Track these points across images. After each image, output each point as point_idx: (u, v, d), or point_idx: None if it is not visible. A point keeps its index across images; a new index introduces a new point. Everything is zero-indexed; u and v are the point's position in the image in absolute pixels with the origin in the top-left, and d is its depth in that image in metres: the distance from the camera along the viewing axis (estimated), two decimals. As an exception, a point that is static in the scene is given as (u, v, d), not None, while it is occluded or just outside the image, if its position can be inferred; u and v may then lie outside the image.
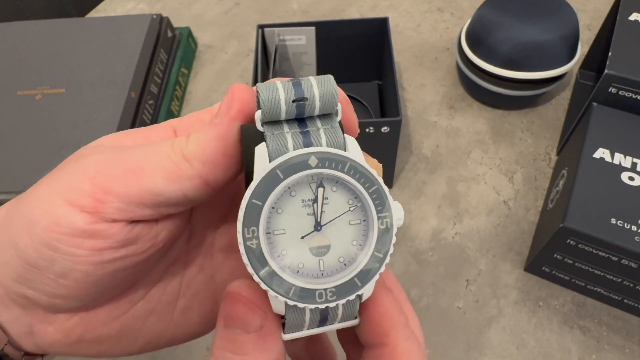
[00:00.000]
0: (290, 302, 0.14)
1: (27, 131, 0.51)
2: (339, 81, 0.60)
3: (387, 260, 0.15)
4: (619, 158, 0.41)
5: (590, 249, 0.38)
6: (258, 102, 0.15)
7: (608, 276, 0.40)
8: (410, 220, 0.51)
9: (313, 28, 0.53)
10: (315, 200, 0.15)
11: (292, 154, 0.14)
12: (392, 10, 0.72)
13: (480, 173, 0.53)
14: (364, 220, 0.15)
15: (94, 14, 0.77)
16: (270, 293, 0.14)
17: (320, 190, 0.15)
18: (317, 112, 0.15)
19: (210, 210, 0.20)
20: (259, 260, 0.14)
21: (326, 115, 0.16)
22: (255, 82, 0.47)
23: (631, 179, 0.39)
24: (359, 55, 0.56)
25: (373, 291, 0.16)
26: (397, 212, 0.15)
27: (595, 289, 0.42)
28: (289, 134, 0.15)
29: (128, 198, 0.15)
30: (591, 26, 0.67)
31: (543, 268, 0.44)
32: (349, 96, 0.58)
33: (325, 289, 0.15)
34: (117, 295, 0.18)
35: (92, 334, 0.18)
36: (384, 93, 0.56)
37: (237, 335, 0.15)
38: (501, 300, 0.44)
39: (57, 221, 0.15)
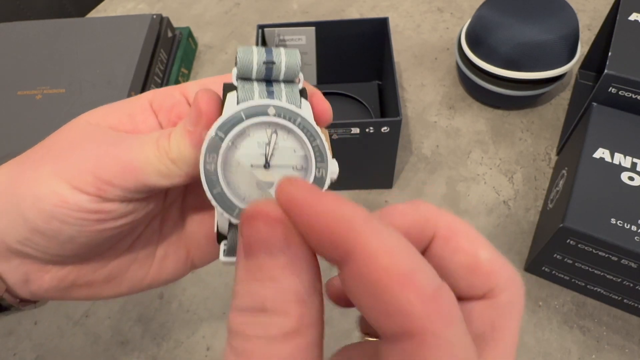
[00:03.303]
0: (234, 221, 0.17)
1: (27, 131, 0.51)
2: (339, 81, 0.60)
3: None
4: (618, 158, 0.41)
5: (590, 249, 0.38)
6: (236, 61, 0.18)
7: (608, 276, 0.40)
8: (410, 220, 0.50)
9: (313, 28, 0.53)
10: (268, 143, 0.18)
11: (255, 102, 0.17)
12: (392, 10, 0.72)
13: (480, 173, 0.54)
14: (305, 169, 0.18)
15: (94, 14, 0.77)
16: (218, 209, 0.17)
17: (274, 136, 0.18)
18: (282, 76, 0.18)
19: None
20: (214, 181, 0.17)
21: (290, 82, 0.19)
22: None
23: (631, 179, 0.39)
24: (359, 55, 0.56)
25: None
26: (332, 167, 0.18)
27: (595, 288, 0.42)
28: (257, 89, 0.18)
29: (125, 188, 0.18)
30: (591, 26, 0.67)
31: (543, 268, 0.44)
32: (349, 96, 0.58)
33: None
34: (107, 249, 0.21)
35: (83, 280, 0.21)
36: (384, 93, 0.56)
37: (261, 260, 0.13)
38: (501, 300, 0.44)
39: (65, 200, 0.17)
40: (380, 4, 0.73)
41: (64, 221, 0.17)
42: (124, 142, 0.18)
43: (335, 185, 0.53)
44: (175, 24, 0.71)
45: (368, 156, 0.48)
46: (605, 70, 0.42)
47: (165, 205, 0.22)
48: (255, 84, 0.18)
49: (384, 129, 0.44)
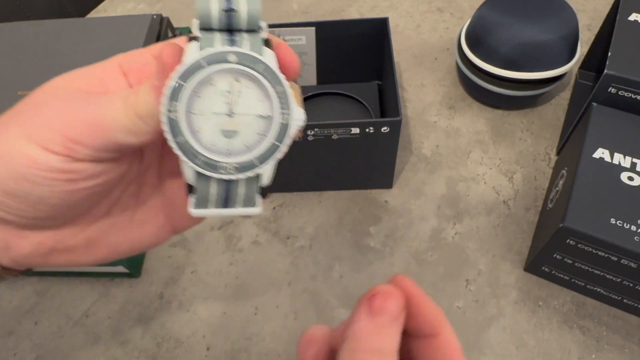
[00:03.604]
0: (198, 169, 0.18)
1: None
2: (339, 81, 0.60)
3: (283, 149, 0.18)
4: (618, 158, 0.41)
5: (590, 249, 0.38)
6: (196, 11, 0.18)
7: (608, 276, 0.40)
8: (410, 220, 0.51)
9: (313, 28, 0.53)
10: (231, 92, 0.18)
11: (216, 49, 0.17)
12: (392, 10, 0.72)
13: (480, 173, 0.54)
14: (270, 116, 0.18)
15: (94, 14, 0.77)
16: (182, 158, 0.17)
17: (236, 83, 0.18)
18: (243, 24, 0.18)
19: (160, 138, 0.22)
20: (177, 129, 0.17)
21: (252, 32, 0.18)
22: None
23: (630, 179, 0.39)
24: (359, 55, 0.56)
25: (423, 294, 0.19)
26: (297, 114, 0.18)
27: (595, 288, 0.42)
28: (219, 38, 0.18)
29: (94, 147, 0.18)
30: (591, 26, 0.67)
31: (543, 268, 0.44)
32: (349, 96, 0.58)
33: (228, 163, 0.18)
34: (83, 213, 0.21)
35: (62, 245, 0.21)
36: (384, 93, 0.56)
37: (386, 321, 0.17)
38: (501, 300, 0.45)
39: (34, 160, 0.17)
40: (380, 4, 0.73)
41: (34, 182, 0.17)
42: (92, 101, 0.18)
43: (335, 185, 0.53)
44: (175, 24, 0.71)
45: (368, 156, 0.48)
46: (605, 71, 0.42)
47: (142, 169, 0.22)
48: (217, 34, 0.18)
49: (384, 129, 0.44)
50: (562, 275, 0.43)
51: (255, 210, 0.19)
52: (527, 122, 0.57)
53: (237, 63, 0.17)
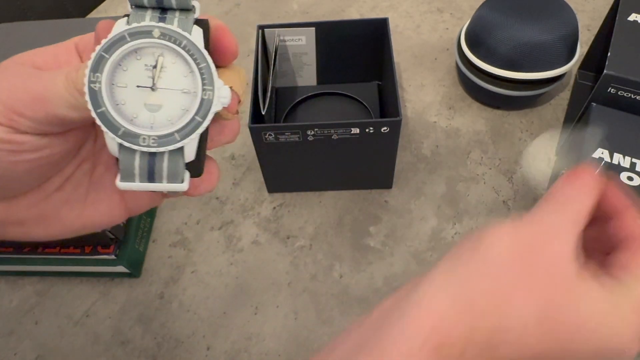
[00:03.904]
0: (118, 140, 0.18)
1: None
2: (339, 81, 0.60)
3: (205, 125, 0.18)
4: (618, 158, 0.41)
5: (590, 249, 0.38)
6: None
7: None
8: (410, 220, 0.51)
9: (313, 28, 0.53)
10: (155, 66, 0.18)
11: (141, 24, 0.18)
12: (392, 10, 0.72)
13: (479, 173, 0.54)
14: (194, 92, 0.18)
15: (94, 14, 0.77)
16: (103, 128, 0.18)
17: (161, 58, 0.18)
18: (174, 3, 0.18)
19: None
20: (98, 100, 0.17)
21: (185, 11, 0.19)
22: (255, 83, 0.47)
23: (630, 179, 0.40)
24: (358, 55, 0.56)
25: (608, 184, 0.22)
26: (222, 92, 0.18)
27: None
28: (149, 15, 0.18)
29: (37, 120, 0.18)
30: (590, 27, 0.67)
31: (542, 268, 0.44)
32: (349, 96, 0.58)
33: (148, 136, 0.18)
34: (35, 187, 0.21)
35: (14, 218, 0.21)
36: (384, 93, 0.56)
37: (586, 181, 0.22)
38: (501, 300, 0.45)
39: None
40: (380, 4, 0.73)
41: None
42: (38, 75, 0.19)
43: (335, 185, 0.53)
44: (175, 25, 0.72)
45: (368, 156, 0.48)
46: (605, 71, 0.43)
47: (97, 148, 0.23)
48: (150, 11, 0.18)
49: (384, 129, 0.44)
50: (561, 275, 0.43)
51: (182, 186, 0.19)
52: (527, 122, 0.57)
53: (160, 38, 0.18)
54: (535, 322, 0.18)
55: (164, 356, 0.44)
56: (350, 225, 0.51)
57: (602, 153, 0.41)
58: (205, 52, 0.18)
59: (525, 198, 0.51)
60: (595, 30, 0.57)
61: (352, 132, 0.44)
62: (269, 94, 0.49)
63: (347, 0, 0.74)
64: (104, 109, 0.18)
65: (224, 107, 0.19)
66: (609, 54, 0.44)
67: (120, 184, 0.19)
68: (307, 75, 0.59)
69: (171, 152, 0.19)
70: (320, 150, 0.46)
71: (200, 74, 0.18)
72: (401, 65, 0.65)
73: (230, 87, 0.19)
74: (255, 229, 0.51)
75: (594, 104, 0.45)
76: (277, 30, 0.52)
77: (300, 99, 0.58)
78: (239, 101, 0.20)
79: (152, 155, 0.19)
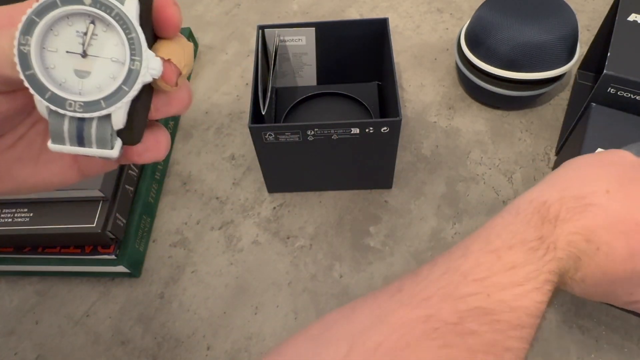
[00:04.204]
0: (45, 103, 0.18)
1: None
2: (339, 81, 0.60)
3: (131, 94, 0.19)
4: (617, 158, 0.41)
5: (589, 249, 0.38)
6: None
7: (607, 276, 0.40)
8: (410, 220, 0.51)
9: (313, 29, 0.53)
10: (85, 33, 0.18)
11: None
12: (392, 11, 0.72)
13: (479, 173, 0.54)
14: (123, 62, 0.19)
15: (94, 14, 0.77)
16: (30, 90, 0.18)
17: (91, 26, 0.18)
18: None
19: None
20: (27, 63, 0.18)
21: None
22: (255, 83, 0.47)
23: (630, 179, 0.40)
24: (358, 55, 0.56)
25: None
26: (152, 63, 0.19)
27: (594, 288, 0.42)
28: None
29: None
30: (590, 27, 0.67)
31: (542, 268, 0.44)
32: (349, 96, 0.58)
33: (75, 101, 0.18)
34: None
35: None
36: (384, 93, 0.56)
37: None
38: (500, 300, 0.45)
39: None
40: (380, 5, 0.73)
41: None
42: None
43: (335, 185, 0.53)
44: (175, 25, 0.72)
45: (368, 156, 0.48)
46: (605, 71, 0.43)
47: None
48: None
49: (384, 129, 0.44)
50: (561, 275, 0.43)
51: (111, 152, 0.20)
52: (527, 122, 0.58)
53: (91, 6, 0.18)
54: None
55: (164, 356, 0.44)
56: (350, 225, 0.51)
57: (602, 153, 0.41)
58: (135, 23, 0.18)
59: (525, 198, 0.51)
60: (595, 31, 0.57)
61: (352, 132, 0.44)
62: (269, 94, 0.49)
63: (347, 1, 0.74)
64: (32, 71, 0.18)
65: (161, 78, 0.19)
66: (608, 54, 0.44)
67: (51, 146, 0.19)
68: (307, 75, 0.59)
69: (99, 118, 0.19)
70: (320, 150, 0.46)
71: (130, 44, 0.18)
72: (401, 66, 0.65)
73: (168, 60, 0.19)
74: (255, 229, 0.51)
75: (594, 104, 0.45)
76: (277, 30, 0.52)
77: (300, 99, 0.58)
78: (180, 73, 0.20)
79: (81, 120, 0.19)
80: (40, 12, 0.18)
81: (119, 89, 0.19)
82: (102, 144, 0.19)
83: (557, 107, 0.59)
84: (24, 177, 0.23)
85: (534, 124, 0.57)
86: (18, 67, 0.18)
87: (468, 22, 0.57)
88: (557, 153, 0.54)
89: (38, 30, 0.18)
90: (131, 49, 0.18)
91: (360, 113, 0.57)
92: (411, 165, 0.55)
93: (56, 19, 0.18)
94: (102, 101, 0.19)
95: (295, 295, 0.46)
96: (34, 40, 0.18)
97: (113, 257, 0.46)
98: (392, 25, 0.69)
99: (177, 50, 0.20)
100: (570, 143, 0.48)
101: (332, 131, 0.44)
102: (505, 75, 0.52)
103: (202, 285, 0.48)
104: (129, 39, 0.18)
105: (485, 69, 0.53)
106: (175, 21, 0.20)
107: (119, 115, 0.19)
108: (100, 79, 0.19)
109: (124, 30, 0.18)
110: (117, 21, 0.18)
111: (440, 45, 0.67)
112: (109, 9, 0.18)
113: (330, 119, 0.57)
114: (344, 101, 0.58)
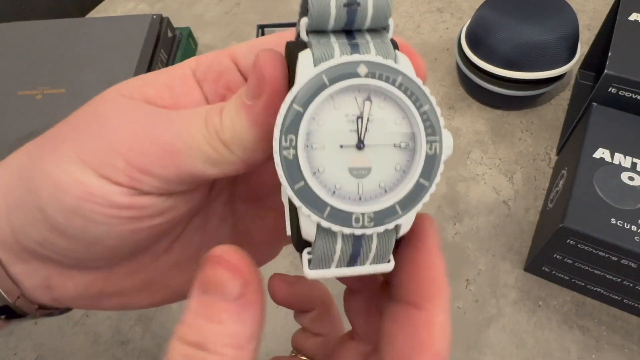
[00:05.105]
0: (324, 224, 0.13)
1: (27, 131, 0.51)
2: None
3: (432, 190, 0.14)
4: (618, 158, 0.41)
5: (590, 249, 0.38)
6: (306, 7, 0.13)
7: (608, 276, 0.40)
8: (410, 220, 0.51)
9: (313, 28, 0.52)
10: (360, 116, 0.13)
11: (340, 59, 0.13)
12: (392, 10, 0.72)
13: (479, 173, 0.54)
14: (412, 146, 0.14)
15: (94, 14, 0.77)
16: (304, 210, 0.13)
17: (367, 104, 0.13)
18: (368, 22, 0.14)
19: (247, 169, 0.19)
20: (295, 172, 0.13)
21: (375, 31, 0.14)
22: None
23: (631, 179, 0.39)
24: (359, 55, 0.56)
25: (431, 252, 0.15)
26: (447, 141, 0.14)
27: (594, 288, 0.42)
28: (336, 43, 0.13)
29: (165, 178, 0.14)
30: (591, 26, 0.67)
31: (543, 268, 0.44)
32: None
33: (363, 213, 0.13)
34: (142, 251, 0.17)
35: (114, 287, 0.17)
36: (384, 93, 0.56)
37: (215, 301, 0.13)
38: (501, 300, 0.45)
39: (90, 192, 0.14)
40: (380, 4, 0.73)
41: (88, 218, 0.14)
42: (164, 118, 0.14)
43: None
44: (175, 24, 0.71)
45: (368, 156, 0.48)
46: (605, 71, 0.42)
47: (211, 198, 0.19)
48: (332, 37, 0.14)
49: (384, 129, 0.43)
50: (562, 275, 0.43)
51: (388, 266, 0.15)
52: (527, 122, 0.57)
53: (368, 76, 0.13)
54: None
55: (164, 356, 0.44)
56: (350, 225, 0.51)
57: (603, 153, 0.41)
58: (427, 90, 0.13)
59: (526, 198, 0.51)
60: (595, 30, 0.57)
61: (353, 132, 0.44)
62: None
63: (347, 0, 0.74)
64: (303, 183, 0.13)
65: None
66: (609, 53, 0.44)
67: (310, 273, 0.14)
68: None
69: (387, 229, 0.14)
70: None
71: (422, 120, 0.13)
72: (401, 65, 0.64)
73: None
74: (255, 229, 0.51)
75: (595, 104, 0.45)
76: (277, 29, 0.52)
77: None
78: None
79: (360, 236, 0.14)
80: (304, 97, 0.13)
81: (417, 184, 0.14)
82: (380, 258, 0.14)
83: (557, 106, 0.59)
84: (181, 285, 0.19)
85: (534, 123, 0.57)
86: (284, 180, 0.13)
87: (468, 22, 0.57)
88: (558, 153, 0.54)
89: (304, 124, 0.13)
90: (426, 127, 0.13)
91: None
92: (411, 165, 0.55)
93: (322, 103, 0.13)
94: (397, 206, 0.14)
95: (295, 296, 0.46)
96: (300, 139, 0.13)
97: (113, 257, 0.46)
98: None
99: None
100: (571, 143, 0.48)
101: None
102: (505, 75, 0.52)
103: (202, 285, 0.48)
104: (421, 113, 0.13)
105: (486, 69, 0.53)
106: (425, 76, 0.15)
107: (411, 222, 0.14)
108: (383, 175, 0.14)
109: (413, 102, 0.13)
110: (403, 91, 0.13)
111: (441, 45, 0.67)
112: (391, 76, 0.13)
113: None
114: (344, 101, 0.58)
